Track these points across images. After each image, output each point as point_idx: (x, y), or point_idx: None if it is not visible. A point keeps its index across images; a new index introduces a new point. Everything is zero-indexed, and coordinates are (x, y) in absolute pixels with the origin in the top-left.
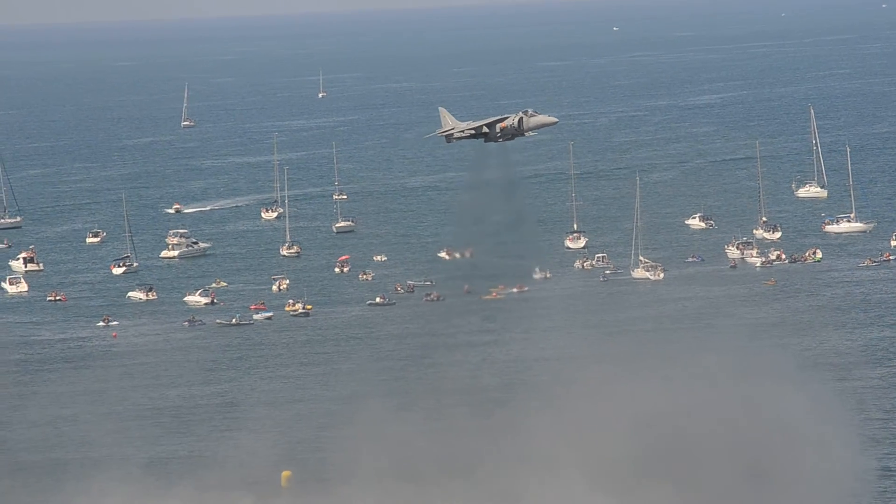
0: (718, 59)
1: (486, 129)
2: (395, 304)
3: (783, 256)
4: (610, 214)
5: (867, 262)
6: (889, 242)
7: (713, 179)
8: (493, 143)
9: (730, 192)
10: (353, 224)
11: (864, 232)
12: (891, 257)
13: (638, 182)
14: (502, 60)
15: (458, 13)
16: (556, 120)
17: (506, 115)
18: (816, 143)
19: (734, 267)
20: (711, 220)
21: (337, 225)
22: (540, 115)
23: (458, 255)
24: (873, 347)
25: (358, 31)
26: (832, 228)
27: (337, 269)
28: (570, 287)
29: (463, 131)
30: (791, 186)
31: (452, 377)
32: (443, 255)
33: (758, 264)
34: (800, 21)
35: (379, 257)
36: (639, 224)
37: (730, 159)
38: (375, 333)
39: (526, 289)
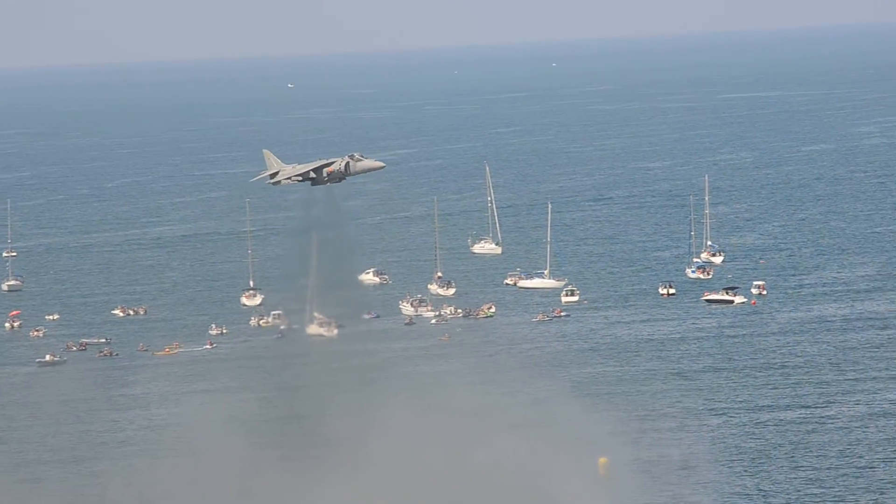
0: (395, 116)
1: (312, 175)
2: (66, 361)
3: (458, 311)
4: (286, 271)
5: (540, 317)
6: (560, 298)
7: (389, 235)
8: (320, 185)
9: (407, 248)
10: (20, 283)
11: (557, 288)
12: (562, 313)
13: (315, 238)
14: (176, 117)
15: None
16: (383, 164)
17: (333, 160)
18: (492, 199)
19: (410, 323)
20: (386, 275)
21: (8, 283)
22: (367, 160)
23: (131, 312)
24: (539, 401)
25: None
26: (526, 284)
27: (7, 325)
28: (243, 345)
29: (290, 177)
30: (467, 242)
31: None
32: (117, 312)
33: (433, 320)
34: (470, 78)
35: (51, 316)
36: (314, 280)
37: (405, 216)
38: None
39: (212, 345)
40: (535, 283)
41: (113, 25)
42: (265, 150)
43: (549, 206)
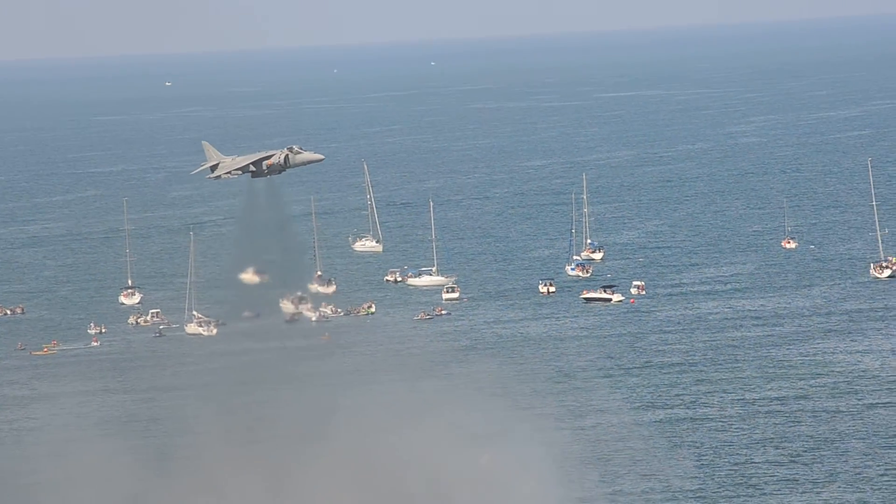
0: (274, 115)
1: (252, 168)
2: None
3: (338, 310)
4: (165, 270)
5: (421, 316)
6: (441, 296)
7: (269, 234)
8: (261, 178)
9: (286, 246)
10: None
11: (445, 285)
12: (443, 311)
13: (192, 237)
14: (59, 115)
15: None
16: (322, 157)
17: (272, 152)
18: (371, 197)
19: (291, 321)
20: (266, 274)
21: None
22: (306, 152)
23: (8, 312)
24: (419, 399)
25: None
26: (415, 282)
27: None
28: (124, 344)
29: (230, 171)
30: (348, 240)
31: None
32: None
33: (313, 318)
34: (349, 77)
35: None
36: (193, 279)
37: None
38: None
39: (99, 344)
40: (424, 280)
41: None
42: (204, 142)
43: (431, 203)
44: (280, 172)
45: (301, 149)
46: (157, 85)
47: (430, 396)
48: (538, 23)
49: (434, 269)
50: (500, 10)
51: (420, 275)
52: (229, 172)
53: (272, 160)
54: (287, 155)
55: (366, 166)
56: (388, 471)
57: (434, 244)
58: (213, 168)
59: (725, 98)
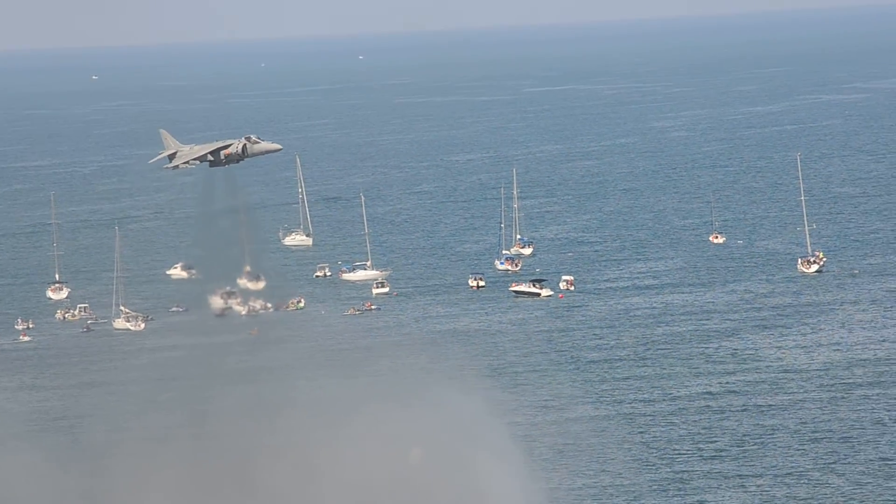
0: (201, 108)
1: (210, 157)
2: None
3: (267, 305)
4: (92, 264)
5: (351, 311)
6: (371, 291)
7: (196, 228)
8: (219, 167)
9: (215, 240)
10: None
11: (377, 279)
12: (373, 306)
13: (118, 232)
14: None
15: None
16: (280, 147)
17: (230, 142)
18: (303, 191)
19: (220, 316)
20: (193, 269)
21: None
22: (264, 142)
23: None
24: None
25: None
26: (349, 276)
27: None
28: (51, 339)
29: (188, 161)
30: (278, 235)
31: None
32: None
33: (243, 313)
34: (278, 70)
35: None
36: (120, 274)
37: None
38: None
39: (27, 339)
40: (359, 275)
41: None
42: (162, 130)
43: (363, 197)
44: (238, 162)
45: (259, 139)
46: (84, 79)
47: (356, 392)
48: (466, 16)
49: (368, 263)
50: (427, 4)
51: (354, 269)
52: (187, 162)
53: (230, 150)
54: (245, 144)
55: (298, 160)
56: (318, 467)
57: (367, 238)
58: (171, 157)
59: (653, 91)
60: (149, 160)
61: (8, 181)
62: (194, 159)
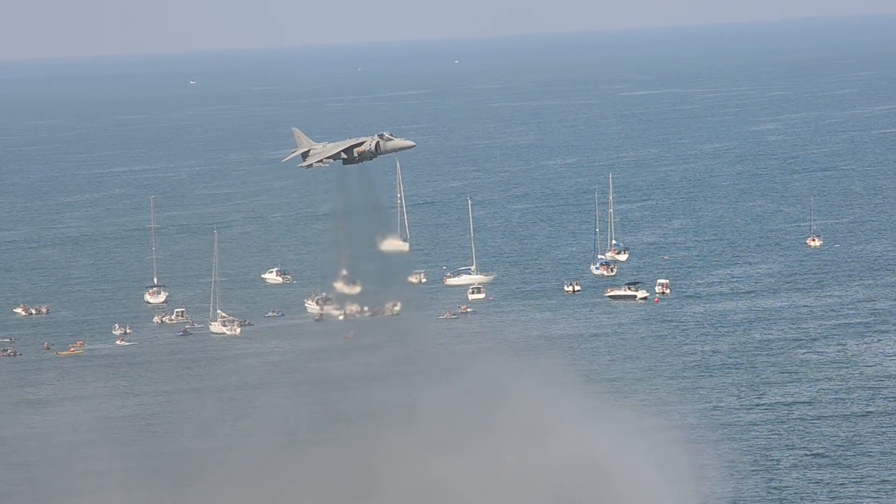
0: (298, 113)
1: (343, 155)
2: None
3: (364, 309)
4: (190, 269)
5: (446, 315)
6: (467, 296)
7: (292, 234)
8: (352, 164)
9: (310, 246)
10: None
11: (484, 283)
12: (468, 310)
13: (216, 236)
14: (86, 113)
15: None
16: (413, 143)
17: (363, 139)
18: (401, 196)
19: (319, 320)
20: (289, 274)
21: None
22: (397, 139)
23: (34, 311)
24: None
25: None
26: (454, 281)
27: None
28: (150, 343)
29: (322, 160)
30: (374, 239)
31: None
32: (19, 310)
33: (340, 317)
34: (374, 75)
35: None
36: (217, 279)
37: (309, 214)
38: None
39: (127, 343)
40: (463, 279)
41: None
42: (294, 128)
43: (469, 200)
44: (371, 159)
45: (392, 135)
46: (184, 84)
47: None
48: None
49: (473, 267)
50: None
51: (458, 274)
52: (321, 161)
53: (363, 147)
54: (378, 142)
55: (398, 164)
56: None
57: (473, 242)
58: (305, 155)
59: (750, 95)
60: (282, 159)
61: (107, 185)
62: (328, 157)
